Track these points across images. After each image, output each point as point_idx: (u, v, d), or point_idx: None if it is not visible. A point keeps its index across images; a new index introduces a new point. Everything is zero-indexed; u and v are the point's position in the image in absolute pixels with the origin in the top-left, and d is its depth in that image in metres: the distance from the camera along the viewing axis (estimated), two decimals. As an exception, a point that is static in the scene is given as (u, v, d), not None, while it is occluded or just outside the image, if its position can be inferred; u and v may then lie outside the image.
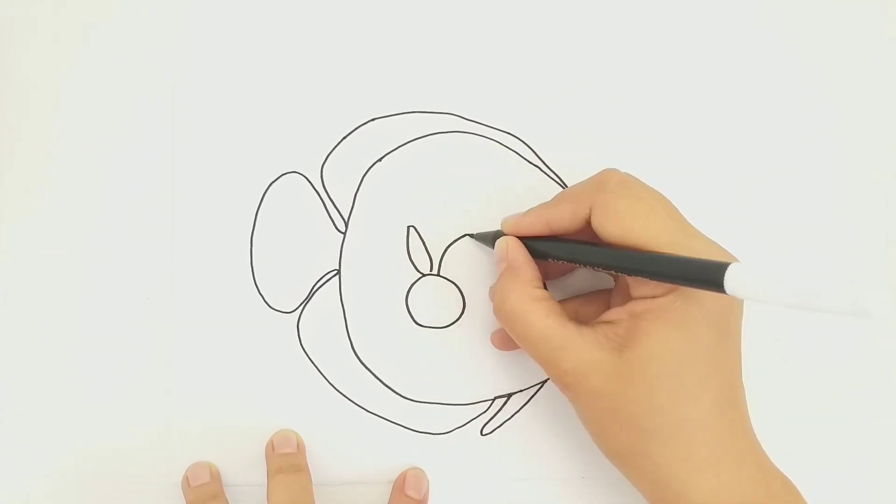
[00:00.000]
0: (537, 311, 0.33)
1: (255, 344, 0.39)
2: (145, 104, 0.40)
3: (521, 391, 0.39)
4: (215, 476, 0.37)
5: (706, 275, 0.28)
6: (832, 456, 0.39)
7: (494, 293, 0.35)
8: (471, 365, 0.39)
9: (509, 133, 0.40)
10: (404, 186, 0.40)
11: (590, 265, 0.32)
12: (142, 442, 0.38)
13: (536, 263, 0.35)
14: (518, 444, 0.38)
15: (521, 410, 0.39)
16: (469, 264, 0.39)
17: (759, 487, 0.31)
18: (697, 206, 0.40)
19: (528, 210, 0.35)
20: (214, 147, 0.39)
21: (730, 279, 0.26)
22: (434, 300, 0.39)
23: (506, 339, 0.37)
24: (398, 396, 0.39)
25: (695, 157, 0.40)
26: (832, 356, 0.40)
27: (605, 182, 0.33)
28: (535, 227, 0.35)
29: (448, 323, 0.39)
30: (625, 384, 0.31)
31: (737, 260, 0.31)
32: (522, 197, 0.39)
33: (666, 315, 0.31)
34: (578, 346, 0.32)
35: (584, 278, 0.39)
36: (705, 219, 0.40)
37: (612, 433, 0.32)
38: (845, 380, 0.40)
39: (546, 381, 0.39)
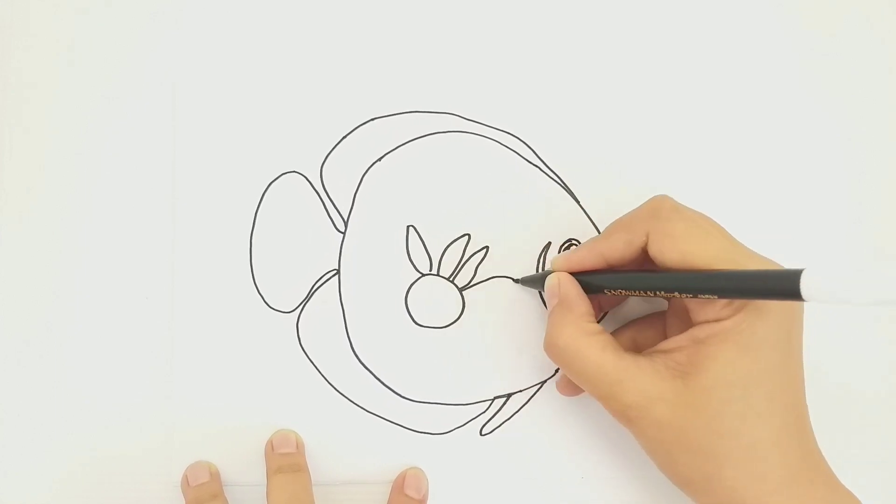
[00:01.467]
0: (592, 345, 0.33)
1: (254, 344, 0.39)
2: (145, 104, 0.40)
3: (520, 391, 0.39)
4: (215, 475, 0.37)
5: (782, 284, 0.27)
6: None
7: (546, 330, 0.34)
8: (470, 365, 0.39)
9: (509, 133, 0.40)
10: (404, 186, 0.39)
11: (653, 292, 0.32)
12: (141, 442, 0.38)
13: (590, 298, 0.34)
14: (517, 445, 0.38)
15: (520, 411, 0.39)
16: (469, 267, 0.39)
17: None
18: (698, 205, 0.40)
19: (580, 245, 0.35)
20: (214, 147, 0.39)
21: (806, 285, 0.26)
22: (434, 300, 0.39)
23: (572, 385, 0.37)
24: (398, 396, 0.39)
25: (696, 157, 0.40)
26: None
27: (659, 208, 0.32)
28: (589, 261, 0.34)
29: (448, 323, 0.39)
30: (692, 412, 0.31)
31: None
32: (522, 197, 0.39)
33: (732, 337, 0.30)
34: (638, 377, 0.32)
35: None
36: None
37: (683, 462, 0.32)
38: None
39: (546, 381, 0.39)
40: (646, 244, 0.32)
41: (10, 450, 0.38)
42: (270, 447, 0.37)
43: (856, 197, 0.41)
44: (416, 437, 0.38)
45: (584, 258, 0.35)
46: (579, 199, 0.40)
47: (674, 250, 0.31)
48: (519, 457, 0.38)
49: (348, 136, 0.40)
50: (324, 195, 0.39)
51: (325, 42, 0.40)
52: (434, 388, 0.39)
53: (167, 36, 0.40)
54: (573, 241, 0.39)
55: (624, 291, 0.33)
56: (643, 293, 0.32)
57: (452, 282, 0.39)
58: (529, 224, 0.39)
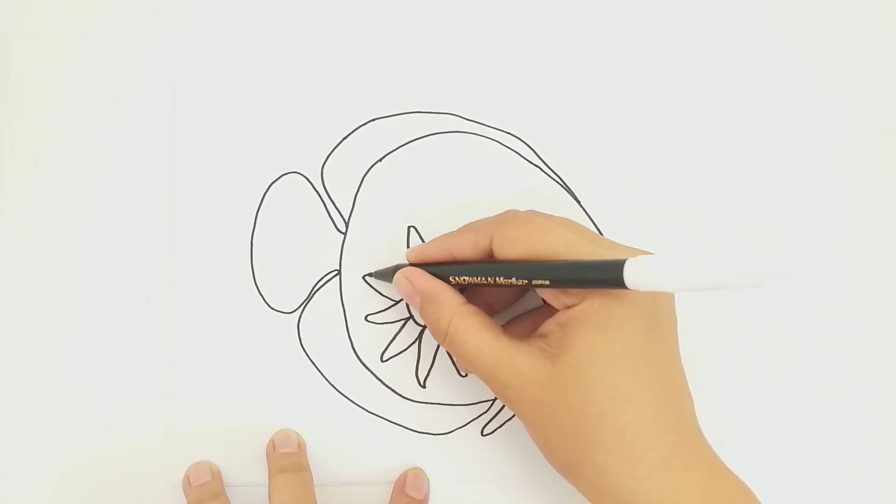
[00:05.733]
0: (469, 327, 0.33)
1: (255, 344, 0.39)
2: (145, 104, 0.40)
3: (521, 391, 0.39)
4: (216, 475, 0.37)
5: (607, 273, 0.28)
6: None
7: (430, 327, 0.35)
8: (471, 365, 0.39)
9: (509, 133, 0.40)
10: (404, 186, 0.40)
11: (493, 278, 0.32)
12: (143, 442, 0.38)
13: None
14: (518, 445, 0.38)
15: (521, 410, 0.39)
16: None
17: (710, 490, 0.30)
18: (697, 205, 0.40)
19: (432, 239, 0.36)
20: (214, 147, 0.39)
21: (629, 274, 0.27)
22: (434, 300, 0.39)
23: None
24: (398, 396, 0.39)
25: (695, 157, 0.40)
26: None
27: (507, 216, 0.33)
28: (438, 254, 0.35)
29: (448, 323, 0.39)
30: (562, 393, 0.31)
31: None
32: (522, 197, 0.40)
33: (590, 319, 0.31)
34: (515, 358, 0.32)
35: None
36: (704, 219, 0.40)
37: (556, 444, 0.32)
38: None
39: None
40: (490, 247, 0.33)
41: (10, 450, 0.38)
42: (272, 447, 0.37)
43: (855, 196, 0.41)
44: (417, 437, 0.38)
45: (435, 250, 0.35)
46: (579, 199, 0.40)
47: (514, 251, 0.32)
48: (520, 457, 0.38)
49: (349, 137, 0.40)
50: (324, 196, 0.39)
51: (326, 42, 0.40)
52: (435, 388, 0.39)
53: (167, 36, 0.40)
54: None
55: (467, 279, 0.34)
56: (484, 280, 0.33)
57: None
58: (530, 224, 0.39)
